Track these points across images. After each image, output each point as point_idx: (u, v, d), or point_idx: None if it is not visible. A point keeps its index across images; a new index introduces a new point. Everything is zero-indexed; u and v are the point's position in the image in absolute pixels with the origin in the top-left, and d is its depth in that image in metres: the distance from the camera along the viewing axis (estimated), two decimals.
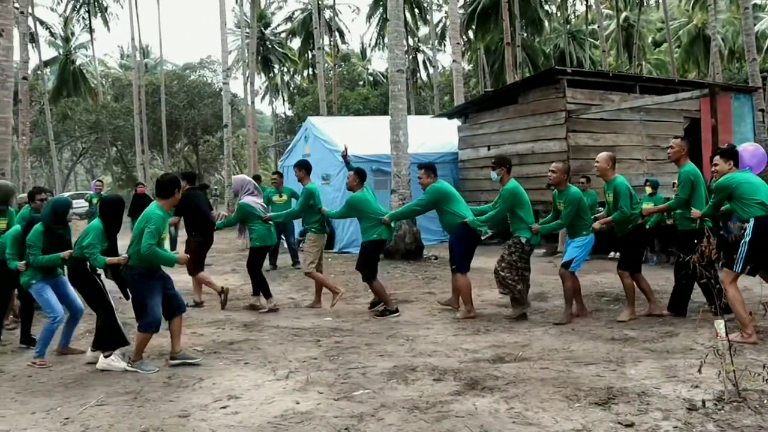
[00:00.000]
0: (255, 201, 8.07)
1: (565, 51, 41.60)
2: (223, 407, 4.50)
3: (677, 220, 6.75)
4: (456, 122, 15.89)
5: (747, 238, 5.69)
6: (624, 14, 41.65)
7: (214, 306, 8.35)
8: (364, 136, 15.21)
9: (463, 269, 7.40)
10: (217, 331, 6.99)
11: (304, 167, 8.40)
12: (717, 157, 6.17)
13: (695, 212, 6.33)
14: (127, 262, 5.53)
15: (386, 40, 14.83)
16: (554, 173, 7.03)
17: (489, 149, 14.12)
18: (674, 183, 8.22)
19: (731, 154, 6.13)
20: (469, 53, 48.73)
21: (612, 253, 11.17)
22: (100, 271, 5.87)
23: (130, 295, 5.68)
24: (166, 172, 31.60)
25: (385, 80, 54.05)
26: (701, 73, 40.31)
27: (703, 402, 4.18)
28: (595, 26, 39.11)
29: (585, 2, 41.95)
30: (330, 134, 15.25)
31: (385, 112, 43.50)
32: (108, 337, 5.62)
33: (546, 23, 43.84)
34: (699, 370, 4.30)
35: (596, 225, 6.92)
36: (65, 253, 5.74)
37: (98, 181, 12.52)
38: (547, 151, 12.61)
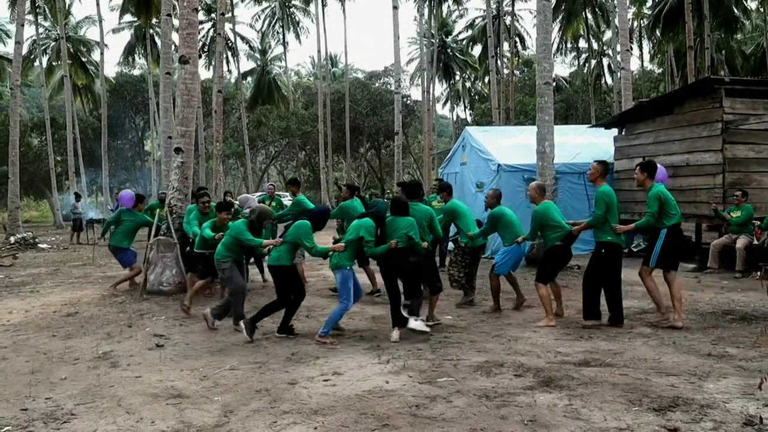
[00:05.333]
0: None
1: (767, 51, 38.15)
2: (326, 380, 5.38)
3: (595, 232, 7.52)
4: (614, 132, 15.69)
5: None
6: None
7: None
8: (517, 145, 15.61)
9: None
10: (348, 321, 7.89)
11: (295, 183, 11.11)
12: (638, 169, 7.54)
13: (620, 228, 7.35)
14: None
15: (535, 53, 15.05)
16: (486, 199, 8.77)
17: (644, 160, 13.83)
18: None
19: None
20: (658, 56, 46.41)
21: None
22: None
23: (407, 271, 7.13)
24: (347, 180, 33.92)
25: (567, 85, 53.10)
26: None
27: (761, 418, 4.30)
28: None
29: None
30: (485, 144, 15.81)
31: (564, 119, 42.57)
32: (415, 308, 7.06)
33: (746, 22, 40.56)
34: (759, 387, 4.41)
35: (519, 239, 8.19)
36: (392, 243, 6.89)
37: (270, 184, 14.08)
38: (702, 163, 12.17)
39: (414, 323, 6.91)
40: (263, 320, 7.13)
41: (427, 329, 6.99)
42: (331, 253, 7.05)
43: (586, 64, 49.47)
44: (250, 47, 47.91)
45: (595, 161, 7.73)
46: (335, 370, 5.68)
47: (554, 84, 49.33)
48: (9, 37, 38.53)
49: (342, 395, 4.98)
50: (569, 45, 49.56)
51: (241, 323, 6.96)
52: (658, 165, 7.98)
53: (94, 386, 5.33)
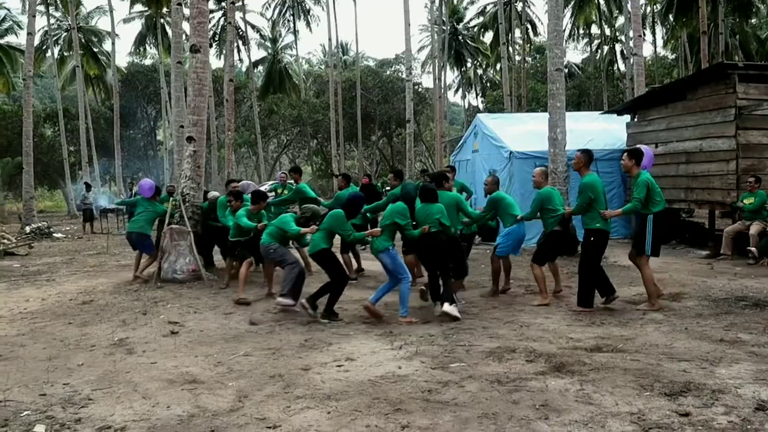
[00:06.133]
0: None
1: None
2: (339, 366, 5.43)
3: (583, 220, 7.64)
4: (627, 118, 15.60)
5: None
6: None
7: (369, 287, 9.40)
8: (529, 132, 15.56)
9: None
10: (359, 307, 7.94)
11: (297, 171, 11.29)
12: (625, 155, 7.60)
13: (608, 213, 7.50)
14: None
15: (547, 39, 14.95)
16: (486, 184, 8.77)
17: (657, 147, 13.73)
18: None
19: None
20: (672, 41, 45.90)
21: None
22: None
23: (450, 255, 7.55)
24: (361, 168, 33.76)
25: (579, 72, 52.69)
26: None
27: None
28: None
29: None
30: (497, 131, 15.78)
31: (576, 105, 42.19)
32: (448, 293, 7.29)
33: (762, 6, 40.03)
34: None
35: (518, 218, 8.35)
36: (425, 228, 7.33)
37: (282, 173, 14.15)
38: (715, 149, 12.08)
39: (448, 307, 7.15)
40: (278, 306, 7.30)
41: (459, 316, 7.14)
42: (369, 238, 7.46)
43: (599, 50, 49.10)
44: (261, 36, 47.90)
45: (578, 150, 7.83)
46: (348, 355, 5.74)
47: (566, 70, 49.02)
48: (21, 28, 38.73)
49: (355, 380, 5.03)
50: (581, 31, 49.18)
51: (280, 298, 7.58)
52: (645, 150, 7.97)
53: (111, 372, 5.41)
